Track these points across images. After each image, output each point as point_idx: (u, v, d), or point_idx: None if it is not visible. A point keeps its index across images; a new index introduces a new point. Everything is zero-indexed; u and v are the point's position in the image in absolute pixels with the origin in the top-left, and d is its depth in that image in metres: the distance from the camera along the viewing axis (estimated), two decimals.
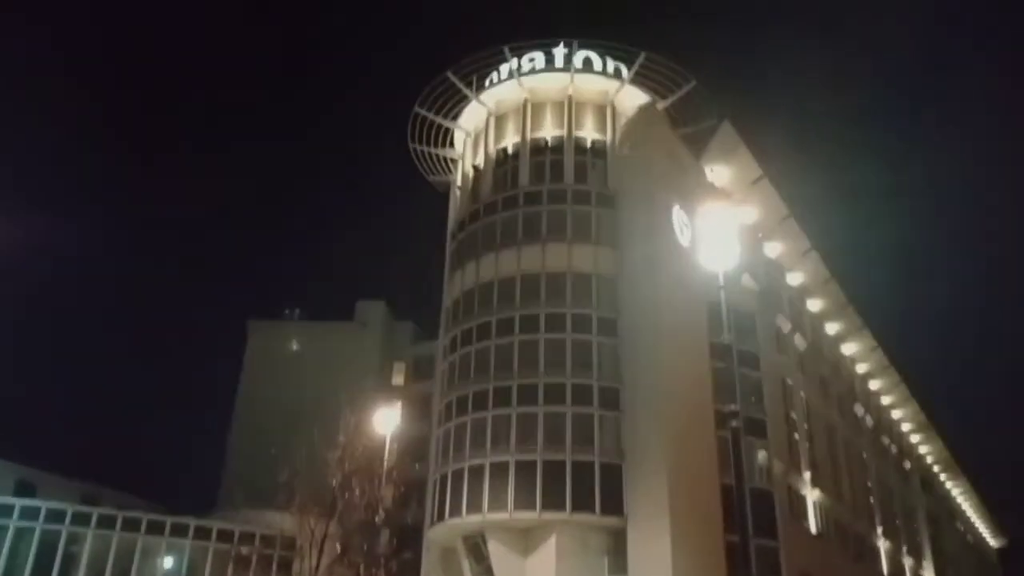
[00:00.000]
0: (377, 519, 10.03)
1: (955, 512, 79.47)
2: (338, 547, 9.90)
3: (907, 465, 63.20)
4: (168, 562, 36.58)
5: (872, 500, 51.23)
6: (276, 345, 52.51)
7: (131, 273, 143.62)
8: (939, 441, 67.52)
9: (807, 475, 40.15)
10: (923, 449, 67.68)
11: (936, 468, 71.44)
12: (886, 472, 56.20)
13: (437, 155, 41.84)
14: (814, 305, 48.23)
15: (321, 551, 9.71)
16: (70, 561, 35.18)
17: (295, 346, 51.55)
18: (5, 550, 34.51)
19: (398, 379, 47.77)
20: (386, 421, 26.52)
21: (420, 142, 40.98)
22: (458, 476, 32.31)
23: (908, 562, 56.80)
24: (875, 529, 50.44)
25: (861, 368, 55.02)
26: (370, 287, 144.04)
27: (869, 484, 51.40)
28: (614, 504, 29.79)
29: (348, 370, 46.68)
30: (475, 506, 31.14)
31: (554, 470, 30.42)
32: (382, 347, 50.23)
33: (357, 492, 10.07)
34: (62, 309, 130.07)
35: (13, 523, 34.94)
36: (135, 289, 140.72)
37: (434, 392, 37.76)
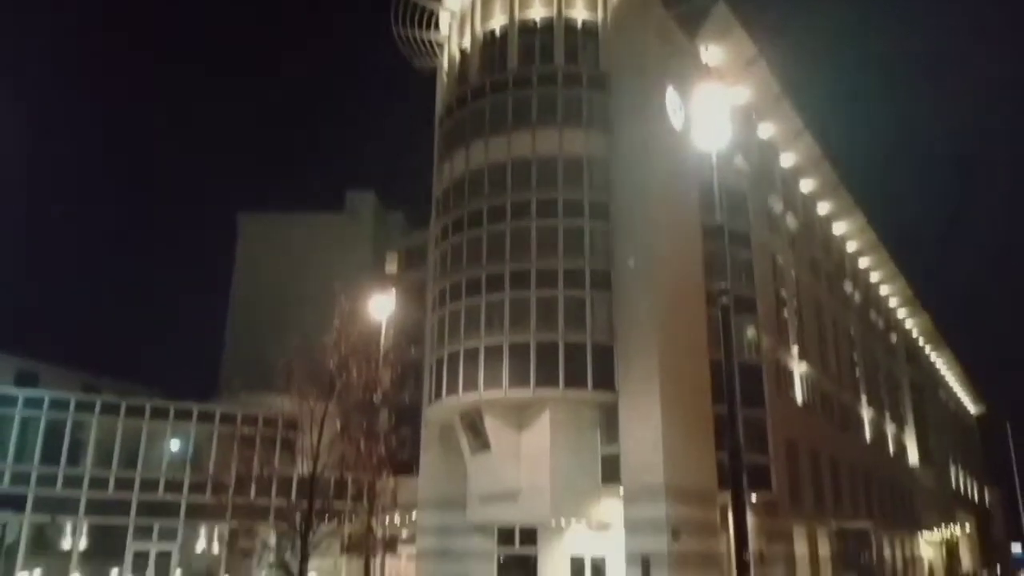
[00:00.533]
0: (375, 399, 10.30)
1: (938, 382, 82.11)
2: (338, 425, 10.24)
3: (893, 339, 64.81)
4: (174, 445, 37.67)
5: (858, 372, 52.79)
6: (267, 237, 52.47)
7: (125, 170, 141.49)
8: (924, 315, 69.07)
9: (795, 349, 41.13)
10: (909, 323, 69.27)
11: (921, 341, 73.32)
12: (872, 346, 57.66)
13: (422, 39, 40.43)
14: (806, 185, 48.21)
15: (322, 430, 10.04)
16: (77, 448, 36.21)
17: (286, 237, 51.43)
18: (13, 439, 35.44)
19: (391, 268, 47.89)
20: (381, 307, 26.83)
21: (404, 25, 39.52)
22: (454, 358, 33.03)
23: (891, 429, 59.09)
24: (860, 399, 52.18)
25: (851, 246, 55.58)
26: (360, 178, 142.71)
27: (855, 357, 52.83)
28: (606, 380, 30.55)
29: (340, 261, 46.87)
30: (471, 385, 31.96)
31: (547, 351, 31.02)
32: (373, 238, 50.16)
33: (354, 373, 10.30)
34: (59, 204, 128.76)
35: (18, 413, 35.71)
36: (129, 186, 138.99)
37: (427, 280, 38.03)
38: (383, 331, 26.55)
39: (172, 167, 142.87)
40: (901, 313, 67.10)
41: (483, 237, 33.89)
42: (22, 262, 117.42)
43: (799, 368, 41.30)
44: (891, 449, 58.77)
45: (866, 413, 52.85)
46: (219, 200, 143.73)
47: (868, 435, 52.75)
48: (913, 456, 65.03)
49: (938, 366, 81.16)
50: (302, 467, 11.06)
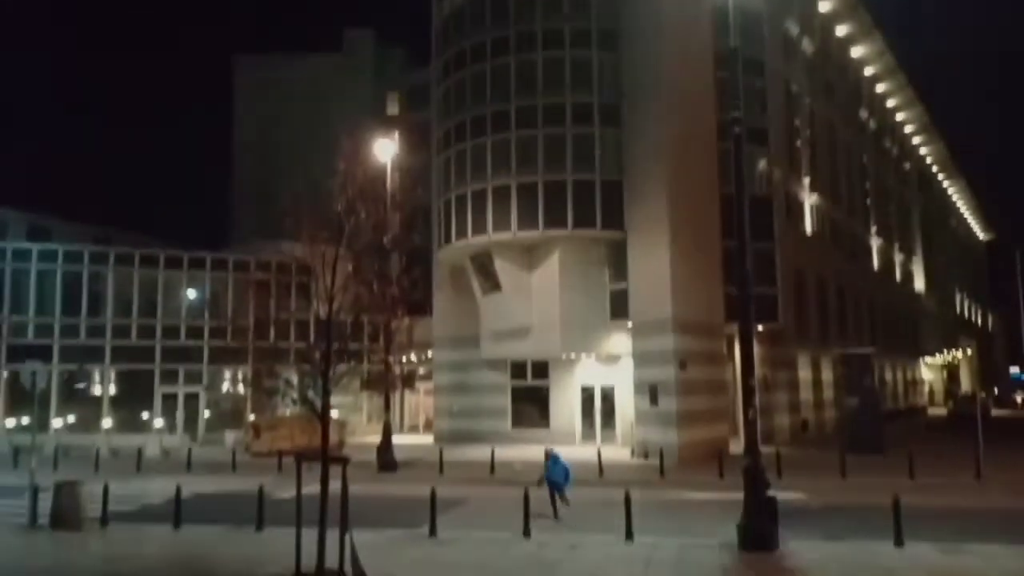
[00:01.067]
0: (385, 241, 10.26)
1: (949, 210, 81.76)
2: (350, 267, 10.27)
3: (906, 166, 63.88)
4: (191, 294, 38.32)
5: (869, 201, 52.43)
6: (264, 80, 50.89)
7: (119, 15, 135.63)
8: (940, 142, 67.65)
9: (806, 180, 40.62)
10: (923, 151, 68.02)
11: (935, 169, 72.27)
12: (885, 174, 56.91)
13: None
14: (824, 6, 45.81)
15: (334, 272, 10.07)
16: (96, 299, 36.90)
17: (284, 80, 49.91)
18: (32, 293, 36.10)
19: (392, 109, 46.68)
20: (385, 149, 26.35)
21: None
22: (462, 201, 32.87)
23: (899, 258, 59.41)
24: (870, 228, 52.12)
25: (868, 71, 53.59)
26: (358, 17, 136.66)
27: (867, 186, 52.28)
28: (614, 218, 30.42)
29: (340, 102, 45.66)
30: (480, 228, 31.98)
31: (555, 190, 30.73)
32: (373, 77, 48.45)
33: (363, 215, 10.21)
34: (58, 55, 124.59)
35: (34, 267, 36.17)
36: (124, 30, 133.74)
37: (431, 120, 37.17)
38: (388, 173, 26.25)
39: (165, 9, 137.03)
40: (916, 140, 65.75)
41: (487, 72, 32.80)
42: (27, 119, 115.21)
43: (810, 199, 40.96)
44: (898, 277, 59.36)
45: (875, 242, 52.95)
46: (215, 44, 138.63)
47: (876, 264, 53.11)
48: (920, 283, 65.77)
49: (950, 193, 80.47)
50: (319, 310, 11.11)
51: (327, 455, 10.98)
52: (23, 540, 15.12)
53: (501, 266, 32.24)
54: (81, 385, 36.50)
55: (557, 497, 16.61)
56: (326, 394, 10.96)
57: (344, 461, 11.19)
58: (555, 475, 16.67)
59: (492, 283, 33.15)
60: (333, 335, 11.32)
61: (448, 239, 33.75)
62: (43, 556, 13.54)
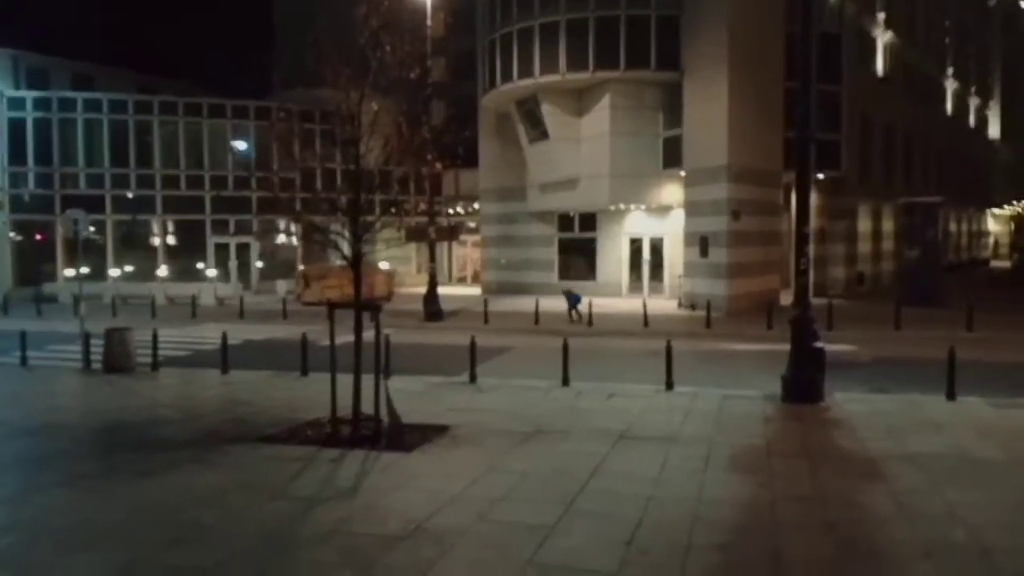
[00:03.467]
0: (412, 76, 9.56)
1: None
2: (375, 107, 9.61)
3: (991, 2, 58.80)
4: (237, 143, 38.06)
5: (947, 40, 48.68)
6: None
7: None
8: None
9: (881, 17, 37.59)
10: None
11: (1021, 5, 66.45)
12: (966, 11, 52.52)
13: None
14: None
15: (359, 113, 9.48)
16: (144, 150, 36.86)
17: None
18: (80, 144, 36.22)
19: None
20: None
21: None
22: (507, 40, 31.28)
23: (974, 102, 55.81)
24: (945, 71, 48.69)
25: None
26: None
27: (946, 24, 48.38)
28: (670, 58, 28.66)
29: None
30: (527, 70, 30.55)
31: (607, 26, 28.90)
32: None
33: (388, 49, 9.45)
34: None
35: (80, 116, 36.13)
36: None
37: None
38: (429, 6, 24.84)
39: None
40: None
41: None
42: None
43: (883, 38, 38.03)
44: (972, 123, 55.99)
45: (950, 85, 49.59)
46: None
47: (949, 108, 49.97)
48: (994, 130, 62.10)
49: None
50: (369, 161, 10.57)
51: (360, 303, 10.78)
52: (76, 380, 15.65)
53: (548, 112, 31.01)
54: (135, 233, 37.19)
55: (573, 311, 24.59)
56: (357, 241, 10.63)
57: (376, 309, 10.98)
58: (570, 303, 24.73)
59: (539, 131, 32.04)
60: (373, 183, 10.87)
61: (493, 84, 32.42)
62: (90, 395, 13.99)
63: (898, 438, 10.05)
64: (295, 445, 10.08)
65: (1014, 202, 70.33)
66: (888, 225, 39.37)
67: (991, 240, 70.43)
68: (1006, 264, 58.99)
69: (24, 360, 17.31)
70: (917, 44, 42.98)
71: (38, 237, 36.99)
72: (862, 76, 34.88)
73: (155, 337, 16.83)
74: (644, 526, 7.04)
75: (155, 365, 16.43)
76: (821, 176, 30.40)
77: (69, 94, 37.31)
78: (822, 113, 24.16)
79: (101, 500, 8.08)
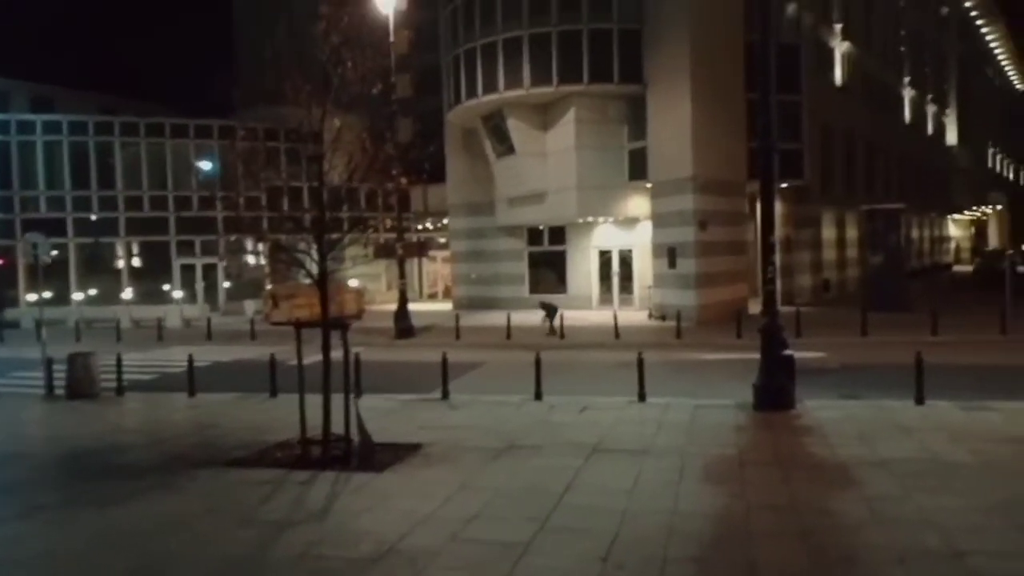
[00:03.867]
0: (375, 91, 9.49)
1: (987, 58, 77.69)
2: (337, 123, 9.53)
3: (944, 11, 60.15)
4: (200, 163, 37.61)
5: (903, 49, 49.68)
6: None
7: None
8: None
9: (838, 27, 38.26)
10: None
11: (974, 14, 68.04)
12: (921, 19, 53.68)
13: None
14: None
15: (322, 128, 9.40)
16: (106, 172, 36.26)
17: None
18: (40, 167, 35.58)
19: None
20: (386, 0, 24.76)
21: None
22: (471, 56, 31.34)
23: (931, 109, 56.94)
24: (902, 79, 49.66)
25: None
26: None
27: (902, 33, 49.38)
28: (633, 72, 28.89)
29: None
30: (491, 85, 30.61)
31: (570, 41, 29.08)
32: None
33: (349, 65, 9.35)
34: None
35: (39, 138, 35.52)
36: None
37: None
38: (391, 23, 24.81)
39: None
40: None
41: None
42: None
43: (841, 48, 38.72)
44: (930, 130, 57.12)
45: (907, 93, 50.59)
46: None
47: (908, 116, 50.95)
48: (952, 136, 63.40)
49: (989, 40, 76.07)
50: (333, 178, 10.49)
51: (327, 321, 10.65)
52: (38, 408, 15.27)
53: (514, 126, 31.08)
54: (98, 256, 36.53)
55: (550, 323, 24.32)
56: (323, 259, 10.52)
57: (344, 327, 10.85)
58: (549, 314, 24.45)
59: (506, 146, 32.09)
60: (339, 200, 10.79)
61: (458, 99, 32.44)
62: (53, 423, 13.65)
63: (869, 444, 10.12)
64: (264, 468, 9.89)
65: (974, 207, 71.80)
66: (852, 232, 39.94)
67: (953, 245, 71.76)
68: (968, 269, 60.13)
69: None
70: (874, 53, 43.81)
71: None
72: (821, 86, 35.44)
73: (119, 361, 16.49)
74: (619, 540, 6.98)
75: (120, 390, 16.09)
76: (784, 185, 30.74)
77: (28, 117, 36.72)
78: (783, 122, 24.51)
79: (63, 530, 7.85)
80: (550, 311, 25.15)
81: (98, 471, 10.13)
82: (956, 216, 70.21)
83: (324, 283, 10.58)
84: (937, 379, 13.08)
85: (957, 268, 62.60)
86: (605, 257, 33.23)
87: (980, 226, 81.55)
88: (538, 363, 14.04)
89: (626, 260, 32.69)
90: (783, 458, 9.73)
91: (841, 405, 12.68)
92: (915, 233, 51.57)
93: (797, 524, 7.34)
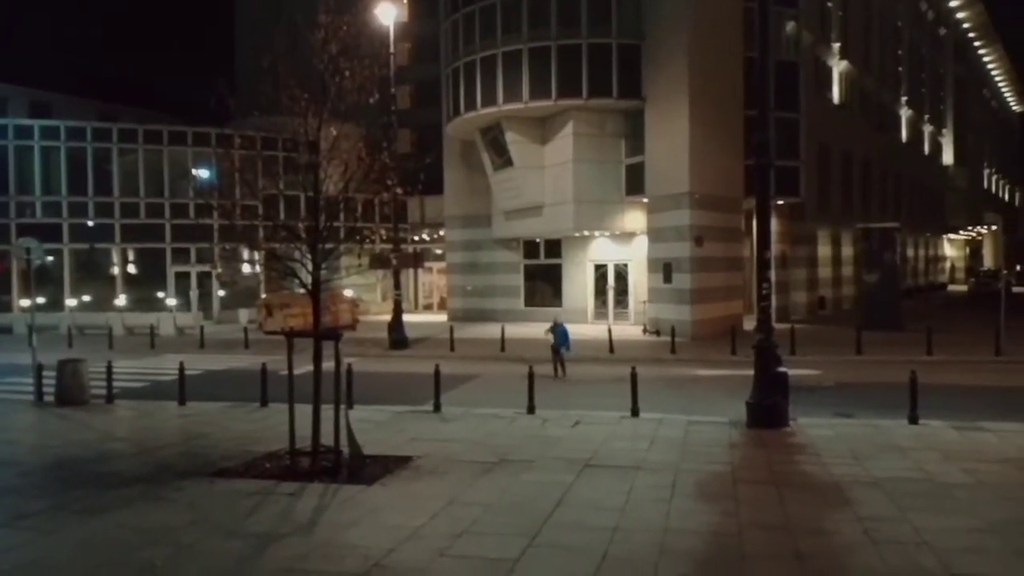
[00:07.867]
0: (371, 101, 9.44)
1: (984, 79, 78.14)
2: (333, 131, 9.49)
3: (942, 32, 60.52)
4: (197, 171, 37.46)
5: (900, 69, 49.94)
6: None
7: None
8: (978, 5, 63.71)
9: (836, 46, 38.43)
10: (960, 15, 64.16)
11: (971, 35, 68.48)
12: (919, 40, 53.99)
13: None
14: None
15: (318, 137, 9.37)
16: (103, 178, 36.18)
17: None
18: (37, 172, 35.48)
19: None
20: (386, 12, 24.82)
21: None
22: (470, 69, 31.39)
23: (928, 129, 57.18)
24: (900, 99, 49.86)
25: None
26: None
27: (900, 52, 49.65)
28: (632, 87, 28.96)
29: None
30: (490, 98, 30.64)
31: (569, 55, 29.16)
32: None
33: (347, 75, 9.32)
34: None
35: (37, 143, 35.43)
36: None
37: None
38: (391, 34, 24.84)
39: None
40: (953, 3, 61.88)
41: None
42: None
43: (839, 67, 38.88)
44: (926, 149, 57.34)
45: (904, 113, 50.78)
46: None
47: (904, 135, 51.14)
48: (948, 156, 63.63)
49: (986, 61, 76.56)
50: (328, 188, 10.47)
51: (319, 331, 10.58)
52: (27, 414, 15.12)
53: (512, 139, 31.11)
54: (93, 262, 36.37)
55: (559, 361, 18.92)
56: (316, 268, 10.47)
57: (336, 337, 10.78)
58: (557, 340, 19.04)
59: (504, 158, 32.11)
60: (323, 209, 10.74)
61: (457, 111, 32.47)
62: (41, 430, 13.51)
63: (863, 463, 10.04)
64: (252, 479, 9.78)
65: (970, 227, 71.98)
66: (847, 250, 39.98)
67: (948, 265, 71.91)
68: (963, 288, 60.22)
69: None
70: (872, 72, 44.00)
71: None
72: (819, 104, 35.57)
73: (110, 368, 16.37)
74: (609, 559, 6.89)
75: (110, 397, 15.96)
76: (781, 202, 30.80)
77: (25, 121, 36.64)
78: (780, 140, 24.54)
79: (48, 539, 7.73)
80: (559, 339, 19.35)
81: (84, 479, 10.01)
82: (951, 236, 70.36)
83: (317, 292, 10.52)
84: (931, 399, 13.03)
85: (952, 288, 62.67)
86: (601, 271, 33.20)
87: (975, 246, 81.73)
88: (531, 377, 13.96)
89: (621, 274, 32.66)
90: (776, 477, 9.65)
91: (835, 423, 12.61)
92: (910, 252, 51.64)
93: (790, 544, 7.25)
